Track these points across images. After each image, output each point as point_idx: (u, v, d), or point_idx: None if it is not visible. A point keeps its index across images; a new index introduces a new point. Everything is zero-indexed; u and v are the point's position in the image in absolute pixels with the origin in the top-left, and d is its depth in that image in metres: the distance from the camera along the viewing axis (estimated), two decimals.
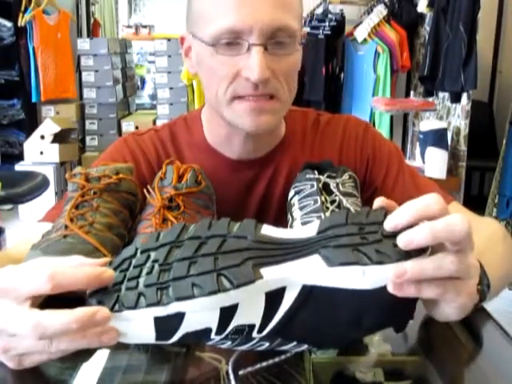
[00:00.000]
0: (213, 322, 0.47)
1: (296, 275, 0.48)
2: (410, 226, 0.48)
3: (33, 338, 0.46)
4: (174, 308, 0.45)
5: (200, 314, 0.46)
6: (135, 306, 0.46)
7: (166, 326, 0.47)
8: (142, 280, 0.47)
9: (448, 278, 0.49)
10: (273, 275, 0.47)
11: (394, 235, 0.48)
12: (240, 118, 0.78)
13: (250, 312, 0.47)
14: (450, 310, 0.52)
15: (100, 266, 0.51)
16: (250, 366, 0.54)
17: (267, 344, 0.51)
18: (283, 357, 0.55)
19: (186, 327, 0.47)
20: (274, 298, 0.48)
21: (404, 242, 0.46)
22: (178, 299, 0.45)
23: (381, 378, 0.54)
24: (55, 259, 0.52)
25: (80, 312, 0.46)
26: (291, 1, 0.75)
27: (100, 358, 0.56)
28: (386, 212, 0.51)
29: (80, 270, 0.49)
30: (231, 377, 0.52)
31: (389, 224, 0.49)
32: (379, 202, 0.54)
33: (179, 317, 0.46)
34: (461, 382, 0.57)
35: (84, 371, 0.54)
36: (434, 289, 0.49)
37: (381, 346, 0.60)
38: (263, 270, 0.47)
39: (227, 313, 0.46)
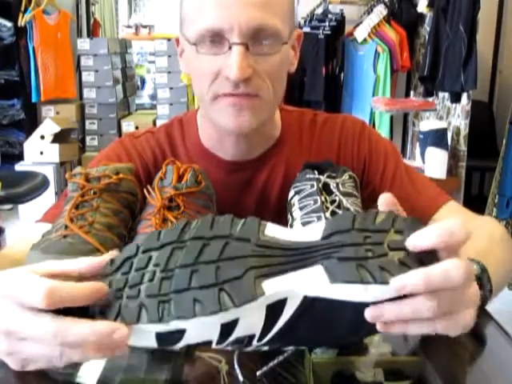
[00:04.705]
0: (213, 335, 0.47)
1: (298, 287, 0.47)
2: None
3: (53, 344, 0.46)
4: (175, 325, 0.45)
5: (201, 328, 0.46)
6: (137, 322, 0.46)
7: (167, 339, 0.47)
8: (143, 288, 0.47)
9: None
10: (275, 288, 0.46)
11: (399, 248, 0.47)
12: (222, 117, 0.78)
13: (251, 324, 0.47)
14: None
15: (104, 263, 0.50)
16: (252, 363, 0.54)
17: (266, 348, 0.51)
18: (290, 352, 0.56)
19: (187, 340, 0.47)
20: (274, 309, 0.47)
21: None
22: (179, 318, 0.45)
23: (381, 378, 0.54)
24: (61, 262, 0.51)
25: (100, 326, 0.45)
26: (276, 1, 0.75)
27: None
28: (394, 217, 0.49)
29: (78, 286, 0.47)
30: (237, 371, 0.52)
31: (410, 244, 0.47)
32: (385, 197, 0.54)
33: (180, 332, 0.46)
34: (461, 381, 0.57)
35: (84, 371, 0.54)
36: (421, 328, 0.47)
37: (381, 346, 0.60)
38: (265, 284, 0.46)
39: (228, 327, 0.46)
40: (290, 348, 0.56)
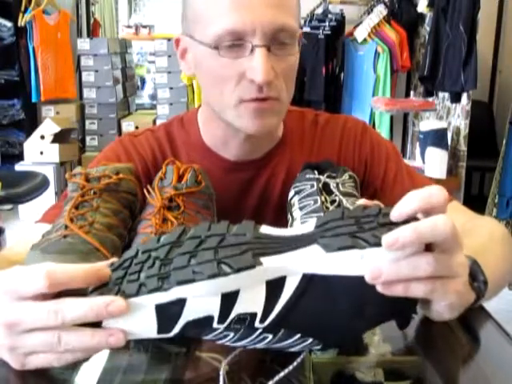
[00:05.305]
0: (214, 309, 0.47)
1: (296, 264, 0.48)
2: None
3: (54, 322, 0.46)
4: (175, 293, 0.46)
5: (201, 300, 0.47)
6: (137, 294, 0.46)
7: (167, 313, 0.47)
8: (143, 274, 0.48)
9: (436, 276, 0.49)
10: (273, 263, 0.48)
11: (389, 223, 0.49)
12: (244, 121, 0.77)
13: (252, 300, 0.48)
14: (441, 308, 0.53)
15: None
16: (245, 370, 0.53)
17: (270, 337, 0.51)
18: (290, 367, 0.53)
19: (187, 315, 0.47)
20: (274, 286, 0.48)
21: (389, 241, 0.47)
22: (179, 283, 0.46)
23: (381, 378, 0.54)
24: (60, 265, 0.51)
25: (97, 300, 0.46)
26: (290, 1, 0.75)
27: (100, 358, 0.56)
28: (380, 207, 0.52)
29: (77, 266, 0.49)
30: (220, 379, 0.52)
31: (394, 213, 0.50)
32: (361, 202, 0.57)
33: (181, 303, 0.46)
34: (460, 381, 0.57)
35: (84, 371, 0.54)
36: (422, 287, 0.49)
37: (381, 346, 0.60)
38: (263, 259, 0.48)
39: (228, 299, 0.47)
40: (292, 363, 0.54)
